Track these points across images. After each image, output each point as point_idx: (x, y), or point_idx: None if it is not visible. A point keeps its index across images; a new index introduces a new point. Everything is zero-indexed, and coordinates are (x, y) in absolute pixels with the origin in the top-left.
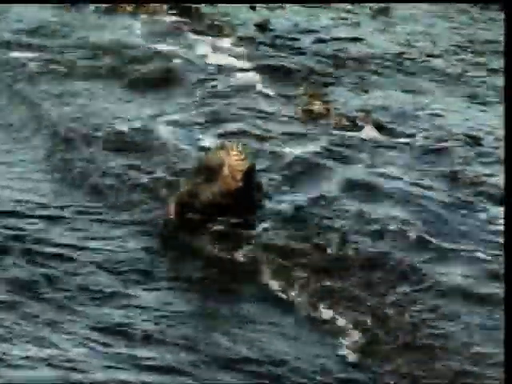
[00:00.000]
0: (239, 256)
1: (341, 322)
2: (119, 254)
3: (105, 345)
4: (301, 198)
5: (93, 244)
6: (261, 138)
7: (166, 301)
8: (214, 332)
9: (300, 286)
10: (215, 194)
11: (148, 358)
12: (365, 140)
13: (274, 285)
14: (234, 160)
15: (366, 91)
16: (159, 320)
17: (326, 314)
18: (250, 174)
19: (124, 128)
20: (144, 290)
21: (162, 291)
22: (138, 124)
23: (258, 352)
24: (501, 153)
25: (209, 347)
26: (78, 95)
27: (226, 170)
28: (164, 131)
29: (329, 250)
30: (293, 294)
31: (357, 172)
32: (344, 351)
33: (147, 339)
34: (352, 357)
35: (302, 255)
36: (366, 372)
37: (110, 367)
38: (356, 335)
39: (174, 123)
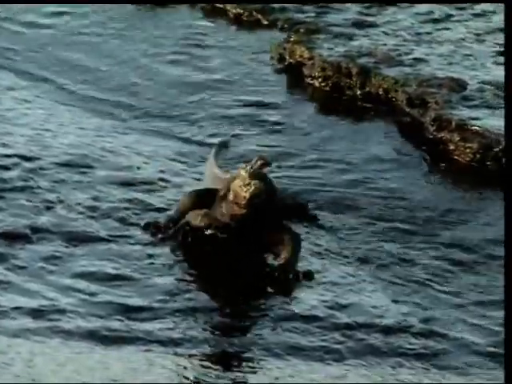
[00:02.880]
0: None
1: None
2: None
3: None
4: None
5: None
6: None
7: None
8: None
9: None
10: (224, 216)
11: (138, 308)
12: None
13: None
14: (238, 185)
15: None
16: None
17: None
18: (258, 198)
19: None
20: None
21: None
22: None
23: None
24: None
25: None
26: None
27: (231, 196)
28: None
29: None
30: None
31: None
32: None
33: (136, 288)
34: None
35: None
36: None
37: (99, 316)
38: None
39: None
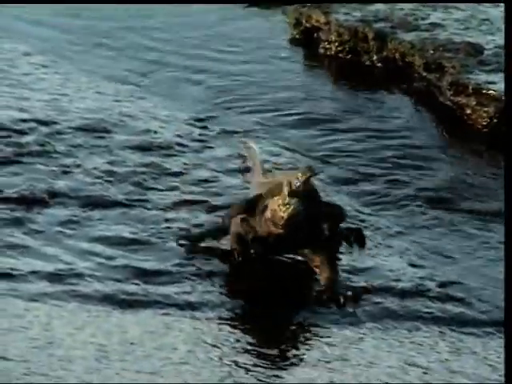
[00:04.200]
0: None
1: None
2: None
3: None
4: None
5: None
6: None
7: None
8: None
9: None
10: (262, 229)
11: (155, 271)
12: None
13: None
14: (276, 204)
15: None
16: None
17: None
18: (296, 219)
19: None
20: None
21: None
22: None
23: None
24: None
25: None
26: None
27: (268, 213)
28: None
29: None
30: None
31: None
32: None
33: (153, 252)
34: None
35: None
36: None
37: (117, 280)
38: None
39: None
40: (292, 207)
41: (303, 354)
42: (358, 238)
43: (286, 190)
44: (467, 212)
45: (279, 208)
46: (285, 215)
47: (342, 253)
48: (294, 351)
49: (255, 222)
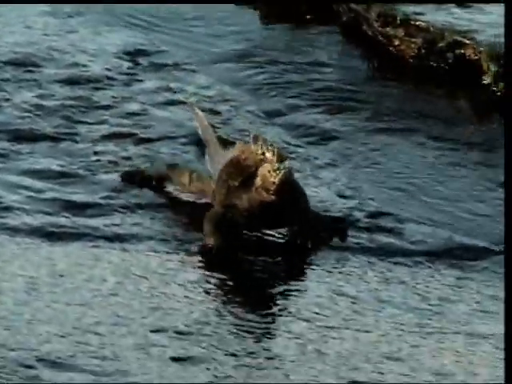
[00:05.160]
0: None
1: None
2: None
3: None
4: None
5: None
6: None
7: None
8: None
9: None
10: (250, 203)
11: (84, 204)
12: None
13: None
14: (267, 169)
15: None
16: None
17: None
18: (286, 184)
19: None
20: None
21: None
22: None
23: None
24: None
25: None
26: None
27: (258, 180)
28: None
29: None
30: None
31: None
32: None
33: (82, 185)
34: None
35: None
36: None
37: (46, 212)
38: None
39: None
40: (283, 172)
41: (227, 280)
42: (340, 232)
43: (270, 155)
44: (399, 137)
45: (270, 174)
46: (276, 180)
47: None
48: (218, 275)
49: (239, 197)
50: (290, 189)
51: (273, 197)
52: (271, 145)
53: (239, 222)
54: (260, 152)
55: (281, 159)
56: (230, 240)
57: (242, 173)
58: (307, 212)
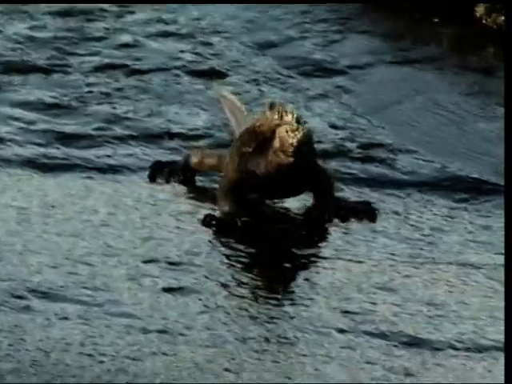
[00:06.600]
0: None
1: None
2: None
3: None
4: None
5: None
6: None
7: None
8: None
9: None
10: (267, 168)
11: (76, 135)
12: None
13: None
14: (285, 130)
15: None
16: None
17: None
18: (305, 144)
19: None
20: None
21: None
22: None
23: None
24: None
25: None
26: None
27: (276, 142)
28: None
29: None
30: None
31: None
32: None
33: (74, 116)
34: None
35: None
36: None
37: (38, 144)
38: None
39: None
40: (301, 132)
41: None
42: (368, 214)
43: (289, 117)
44: (392, 67)
45: (288, 135)
46: (294, 141)
47: None
48: (210, 206)
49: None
50: (308, 151)
51: (291, 159)
52: (289, 109)
53: (255, 187)
54: (276, 117)
55: (299, 121)
56: (245, 207)
57: (256, 138)
58: (328, 181)
